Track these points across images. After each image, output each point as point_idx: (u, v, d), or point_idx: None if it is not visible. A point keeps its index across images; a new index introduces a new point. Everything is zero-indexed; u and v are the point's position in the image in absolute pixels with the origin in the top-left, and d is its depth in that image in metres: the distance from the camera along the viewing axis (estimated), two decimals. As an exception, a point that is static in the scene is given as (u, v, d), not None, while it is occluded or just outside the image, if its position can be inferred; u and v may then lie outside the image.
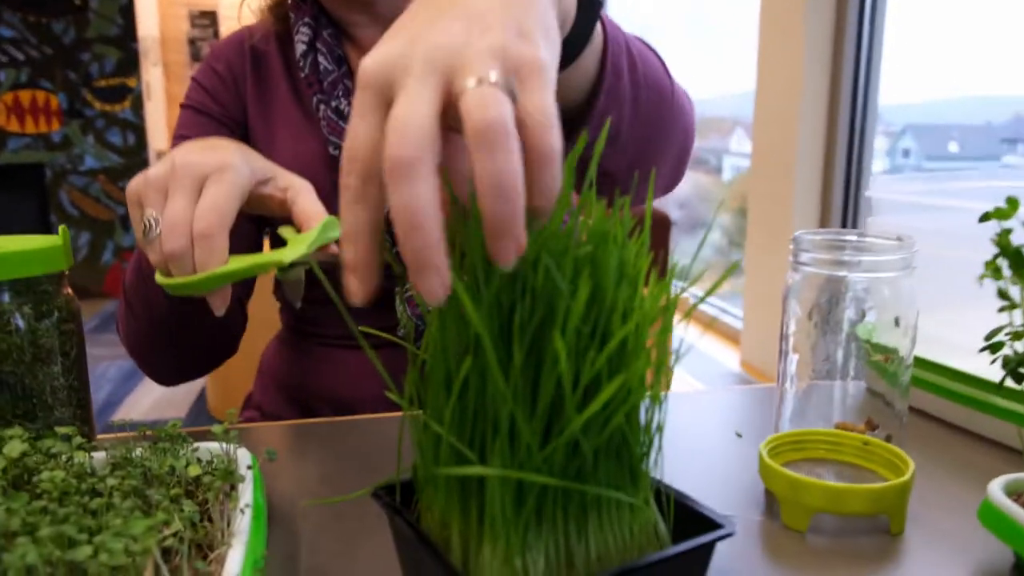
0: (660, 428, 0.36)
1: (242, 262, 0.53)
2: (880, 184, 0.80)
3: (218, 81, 0.80)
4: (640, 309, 0.33)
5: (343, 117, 0.77)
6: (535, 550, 0.34)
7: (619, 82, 0.59)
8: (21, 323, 0.54)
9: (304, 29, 0.78)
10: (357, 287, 0.34)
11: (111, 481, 0.41)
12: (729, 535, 0.36)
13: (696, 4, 3.26)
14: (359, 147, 0.32)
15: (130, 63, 4.63)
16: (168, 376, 0.81)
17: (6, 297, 0.54)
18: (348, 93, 0.78)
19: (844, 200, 1.88)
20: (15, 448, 0.45)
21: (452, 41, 0.32)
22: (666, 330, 0.34)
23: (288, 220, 0.60)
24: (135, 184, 0.56)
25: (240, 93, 0.80)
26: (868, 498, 0.47)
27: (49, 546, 0.36)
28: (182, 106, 0.81)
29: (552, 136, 0.30)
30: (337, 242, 0.64)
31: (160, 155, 4.90)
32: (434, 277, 0.30)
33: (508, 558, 0.33)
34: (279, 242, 0.80)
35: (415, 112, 0.30)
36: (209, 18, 5.00)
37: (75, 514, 0.40)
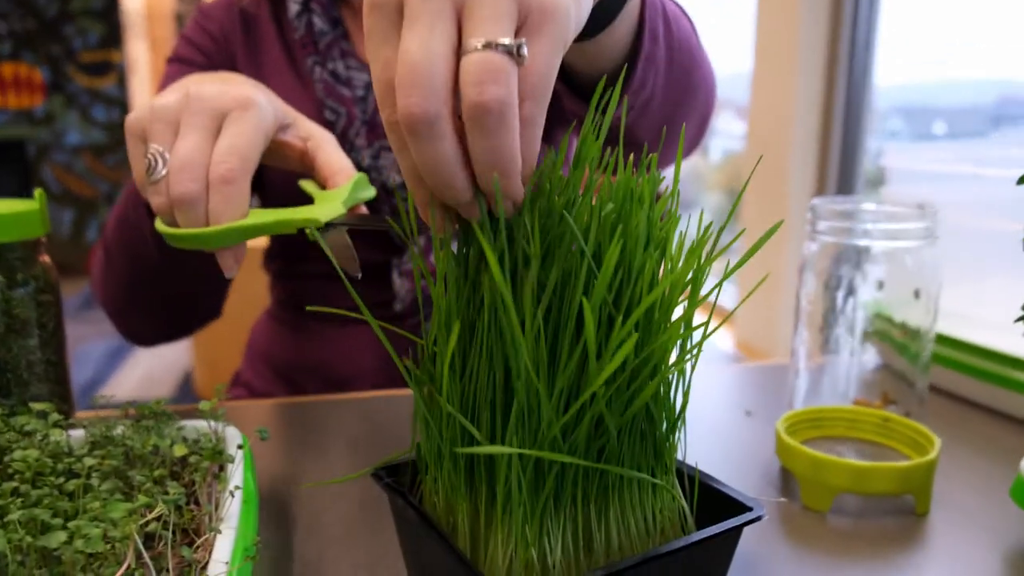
0: (685, 403, 0.34)
1: (265, 217, 0.45)
2: (897, 152, 0.77)
3: (209, 40, 0.76)
4: (670, 275, 0.30)
5: (339, 80, 0.73)
6: (552, 535, 0.31)
7: (655, 47, 0.56)
8: (-7, 293, 0.51)
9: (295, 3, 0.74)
10: (439, 222, 0.32)
11: (89, 461, 0.38)
12: (759, 518, 0.33)
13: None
14: (389, 81, 0.30)
15: (114, 37, 4.54)
16: (146, 336, 0.76)
17: (-23, 266, 0.51)
18: (344, 55, 0.74)
19: (840, 181, 1.85)
20: (-14, 426, 0.41)
21: None
22: (695, 297, 0.31)
23: (302, 175, 0.54)
24: (138, 114, 0.48)
25: (231, 54, 0.76)
26: (894, 477, 0.44)
27: (20, 531, 0.33)
28: (169, 60, 0.77)
29: (536, 106, 0.29)
30: (368, 203, 0.59)
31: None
32: (470, 208, 0.30)
33: (522, 544, 0.31)
34: (270, 203, 0.76)
35: (428, 53, 0.28)
36: (195, -8, 4.91)
37: (49, 496, 0.37)
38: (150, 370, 3.17)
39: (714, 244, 0.33)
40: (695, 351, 0.32)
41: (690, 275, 0.32)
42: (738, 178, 3.50)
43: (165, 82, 0.76)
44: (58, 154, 4.63)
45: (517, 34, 0.29)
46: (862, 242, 0.56)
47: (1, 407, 0.50)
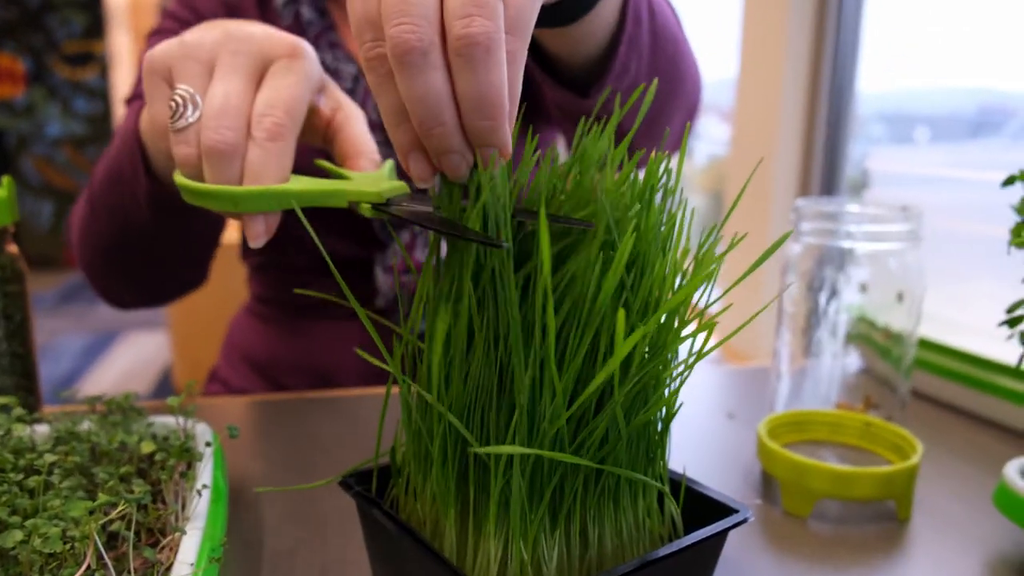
0: (678, 406, 0.33)
1: (313, 185, 0.38)
2: (881, 156, 0.77)
3: (196, 18, 0.74)
4: (691, 281, 0.30)
5: (328, 72, 0.72)
6: (548, 541, 0.30)
7: (639, 30, 0.55)
8: (-43, 283, 0.49)
9: None
10: (422, 168, 0.31)
11: (51, 458, 0.37)
12: (745, 520, 0.33)
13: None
14: (370, 13, 0.29)
15: (97, 28, 4.48)
16: (125, 300, 0.72)
17: (-60, 254, 0.49)
18: (332, 47, 0.73)
19: (823, 185, 1.86)
20: (-56, 420, 0.40)
21: None
22: (686, 303, 0.30)
23: (318, 153, 0.45)
24: (164, 50, 0.42)
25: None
26: (876, 482, 0.44)
27: (-25, 530, 0.31)
28: (151, 34, 0.73)
29: (519, 41, 0.29)
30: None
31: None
32: (457, 158, 0.29)
33: (517, 549, 0.30)
34: None
35: None
36: (180, -15, 4.86)
37: (7, 494, 0.36)
38: (128, 365, 3.14)
39: (712, 248, 0.32)
40: (697, 356, 0.31)
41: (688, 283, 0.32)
42: (722, 181, 3.51)
43: (144, 53, 0.74)
44: (38, 146, 4.57)
45: None
46: (845, 244, 0.55)
47: (-37, 401, 0.49)
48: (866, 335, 0.58)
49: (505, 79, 0.28)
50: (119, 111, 4.67)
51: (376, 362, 0.35)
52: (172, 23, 0.74)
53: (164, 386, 2.78)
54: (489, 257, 0.29)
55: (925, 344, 0.66)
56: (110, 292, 0.71)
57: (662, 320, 0.30)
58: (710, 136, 3.84)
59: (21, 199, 4.58)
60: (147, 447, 0.42)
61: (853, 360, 0.59)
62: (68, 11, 4.44)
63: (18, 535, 0.31)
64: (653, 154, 0.31)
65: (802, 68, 1.87)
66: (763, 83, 1.92)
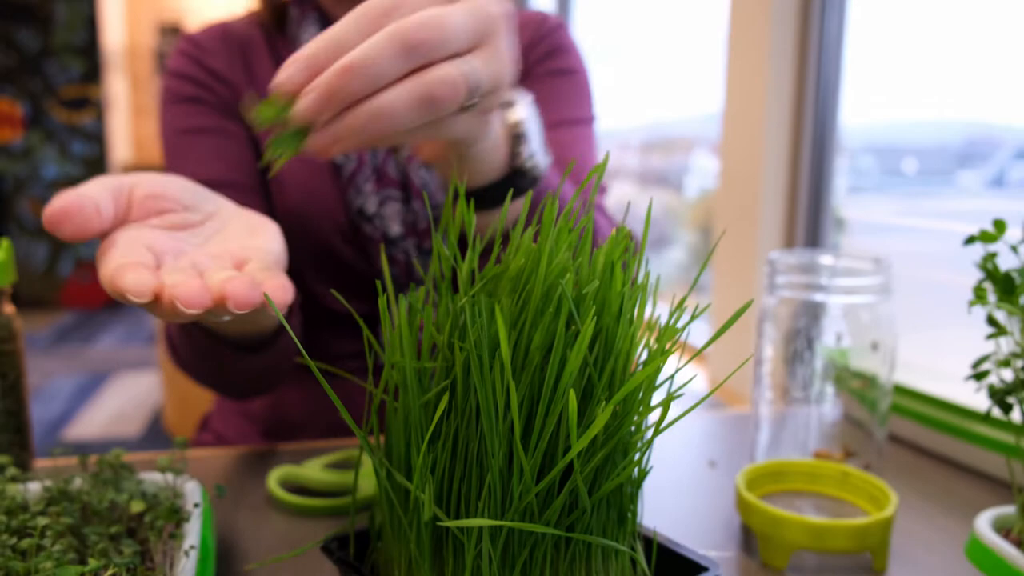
0: (645, 472, 0.34)
1: None
2: (854, 204, 0.79)
3: (208, 75, 0.75)
4: (656, 356, 0.31)
5: None
6: None
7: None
8: (-46, 344, 0.51)
9: (313, 28, 0.74)
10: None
11: (43, 520, 0.38)
12: (712, 579, 0.34)
13: (660, 29, 3.30)
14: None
15: (94, 73, 4.54)
16: (233, 397, 0.75)
17: (-62, 316, 0.51)
18: None
19: (809, 217, 1.89)
20: (-61, 482, 0.41)
21: None
22: (656, 373, 0.31)
23: None
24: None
25: (231, 84, 0.75)
26: (850, 535, 0.45)
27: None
28: (168, 102, 0.75)
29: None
30: (366, 250, 0.55)
31: (126, 168, 4.81)
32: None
33: None
34: None
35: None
36: (175, 31, 4.94)
37: (1, 556, 0.37)
38: (120, 407, 3.13)
39: (688, 291, 0.33)
40: (664, 423, 0.32)
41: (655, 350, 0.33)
42: (711, 216, 3.55)
43: (173, 121, 0.74)
44: (35, 188, 4.60)
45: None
46: (819, 297, 0.57)
47: (-43, 460, 0.50)
48: (843, 381, 0.59)
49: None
50: (115, 153, 4.71)
51: (351, 425, 0.36)
52: (188, 86, 0.75)
53: (155, 427, 2.77)
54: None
55: (901, 391, 0.67)
56: (219, 393, 0.72)
57: (624, 399, 0.32)
58: (700, 169, 3.90)
59: (17, 241, 4.60)
60: (136, 507, 0.43)
61: (831, 407, 0.60)
62: (66, 57, 4.50)
63: (10, 601, 0.32)
64: (614, 231, 0.33)
65: (785, 101, 1.91)
66: (747, 117, 1.96)
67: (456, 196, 0.37)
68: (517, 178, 0.48)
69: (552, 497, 0.31)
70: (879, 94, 1.91)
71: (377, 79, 0.33)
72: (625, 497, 0.35)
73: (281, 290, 0.36)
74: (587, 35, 3.46)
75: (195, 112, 0.74)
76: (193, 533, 0.41)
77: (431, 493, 0.33)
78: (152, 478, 0.48)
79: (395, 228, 0.74)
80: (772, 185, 1.88)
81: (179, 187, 0.42)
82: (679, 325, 0.33)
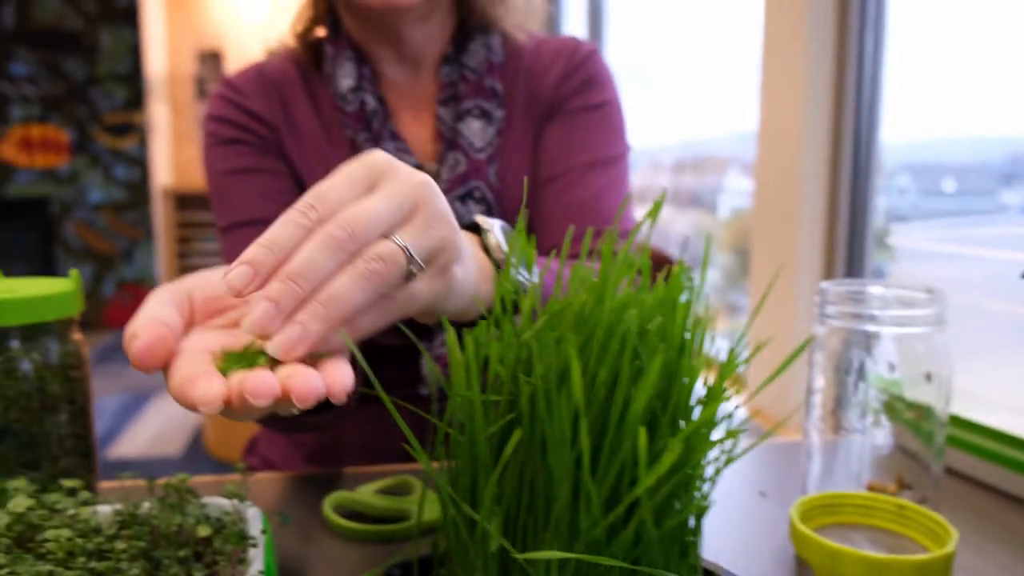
0: (708, 505, 0.35)
1: None
2: (903, 231, 0.79)
3: (249, 118, 0.78)
4: (718, 393, 0.32)
5: None
6: None
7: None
8: (29, 370, 0.53)
9: (349, 65, 0.77)
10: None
11: (120, 545, 0.39)
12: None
13: (691, 47, 3.30)
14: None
15: (137, 100, 4.67)
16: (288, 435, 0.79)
17: (15, 343, 0.53)
18: (394, 137, 0.77)
19: (849, 238, 1.87)
20: (20, 503, 0.43)
21: None
22: (718, 403, 0.32)
23: None
24: None
25: (269, 124, 0.78)
26: (911, 571, 0.45)
27: (53, 616, 0.34)
28: (211, 144, 0.78)
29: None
30: None
31: (166, 191, 4.93)
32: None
33: None
34: None
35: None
36: (215, 58, 5.06)
37: (80, 579, 0.38)
38: (161, 427, 3.18)
39: (746, 328, 0.34)
40: (728, 455, 0.33)
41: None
42: (746, 236, 3.53)
43: (214, 166, 0.77)
44: (80, 211, 4.73)
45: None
46: (871, 327, 0.57)
47: (32, 482, 0.51)
48: (897, 412, 0.59)
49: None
50: (157, 177, 4.83)
51: (419, 456, 0.37)
52: (230, 129, 0.77)
53: (195, 447, 2.82)
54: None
55: (957, 422, 0.66)
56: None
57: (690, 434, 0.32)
58: (733, 188, 3.88)
59: (62, 262, 4.72)
60: (203, 531, 0.44)
61: (884, 437, 0.60)
62: (110, 84, 4.63)
63: (95, 623, 0.33)
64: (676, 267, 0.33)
65: (823, 119, 1.90)
66: (783, 135, 1.95)
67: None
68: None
69: (618, 530, 0.32)
70: (915, 110, 1.88)
71: (319, 277, 0.36)
72: (687, 530, 0.35)
73: (342, 379, 0.36)
74: (618, 54, 3.48)
75: (237, 153, 0.77)
76: (258, 559, 0.42)
77: (498, 524, 0.33)
78: (215, 503, 0.50)
79: None
80: (810, 205, 1.87)
81: None
82: (734, 352, 0.34)
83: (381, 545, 0.55)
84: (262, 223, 0.75)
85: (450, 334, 0.35)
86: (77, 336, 0.57)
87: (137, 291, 4.81)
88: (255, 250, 0.36)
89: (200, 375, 0.34)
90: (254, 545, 0.42)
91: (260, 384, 0.33)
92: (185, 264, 5.09)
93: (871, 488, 0.59)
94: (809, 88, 1.87)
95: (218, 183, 0.77)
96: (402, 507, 0.57)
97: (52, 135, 4.64)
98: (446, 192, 0.76)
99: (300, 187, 0.78)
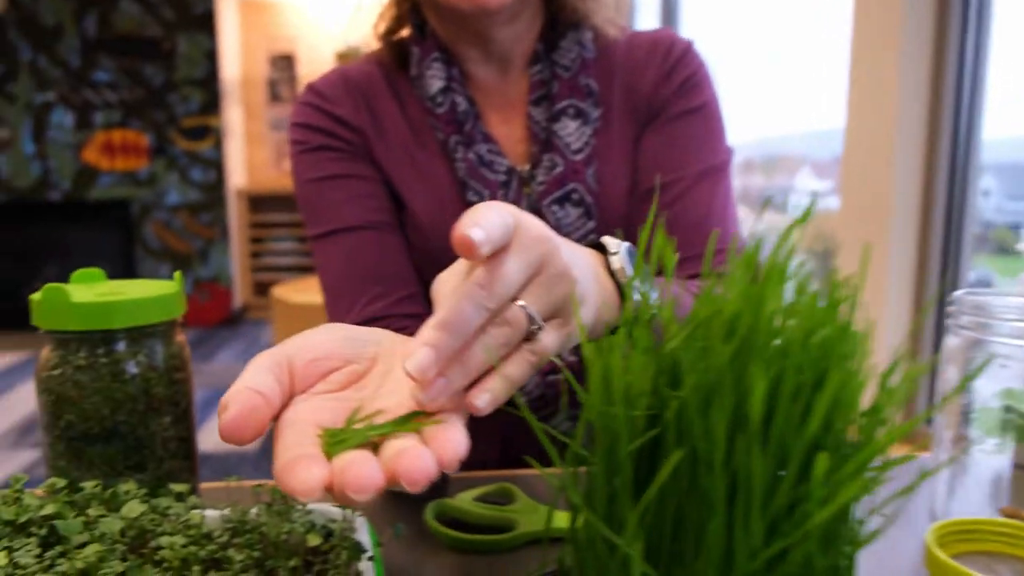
0: (871, 536, 0.32)
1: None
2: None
3: (329, 121, 0.77)
4: (879, 411, 0.29)
5: (483, 162, 0.74)
6: None
7: None
8: (135, 372, 0.53)
9: (437, 65, 0.75)
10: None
11: (237, 555, 0.38)
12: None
13: (763, 41, 3.21)
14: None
15: (213, 104, 4.79)
16: None
17: (122, 345, 0.53)
18: (486, 139, 0.75)
19: (945, 240, 1.78)
20: (134, 508, 0.42)
21: None
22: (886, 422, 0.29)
23: None
24: None
25: (356, 128, 0.77)
26: (1072, 605, 0.41)
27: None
28: (298, 153, 0.78)
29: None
30: None
31: (239, 192, 5.05)
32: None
33: None
34: None
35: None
36: (287, 61, 5.17)
37: (198, 589, 0.37)
38: (235, 424, 3.24)
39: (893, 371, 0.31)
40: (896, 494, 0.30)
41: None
42: (823, 238, 3.43)
43: (302, 174, 0.77)
44: (159, 212, 4.88)
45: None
46: (1005, 340, 0.53)
47: (140, 485, 0.51)
48: (1031, 432, 0.55)
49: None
50: (232, 179, 4.95)
51: (546, 474, 0.35)
52: (310, 134, 0.77)
53: (271, 443, 2.86)
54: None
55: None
56: None
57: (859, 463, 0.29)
58: (804, 189, 3.77)
59: (142, 262, 4.88)
60: (313, 540, 0.43)
61: (1019, 458, 0.55)
62: (187, 89, 4.77)
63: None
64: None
65: (918, 114, 1.81)
66: (874, 134, 1.87)
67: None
68: None
69: (777, 561, 0.29)
70: (1003, 106, 1.78)
71: (468, 332, 0.37)
72: (842, 557, 0.32)
73: (455, 447, 0.34)
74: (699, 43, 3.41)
75: (325, 160, 0.76)
76: (369, 570, 0.41)
77: (640, 549, 0.31)
78: (320, 509, 0.49)
79: None
80: (903, 204, 1.79)
81: (337, 341, 0.42)
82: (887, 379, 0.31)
83: (484, 556, 0.53)
84: (354, 230, 0.75)
85: (587, 345, 0.33)
86: (180, 338, 0.57)
87: (214, 289, 4.94)
88: (440, 336, 0.36)
89: (300, 460, 0.32)
90: (371, 558, 0.41)
91: (363, 476, 0.31)
92: (258, 263, 5.21)
93: (1004, 513, 0.55)
94: (903, 80, 1.79)
95: (308, 191, 0.77)
96: (505, 516, 0.56)
97: (132, 139, 4.80)
98: (543, 196, 0.74)
99: (390, 191, 0.77)
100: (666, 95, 0.77)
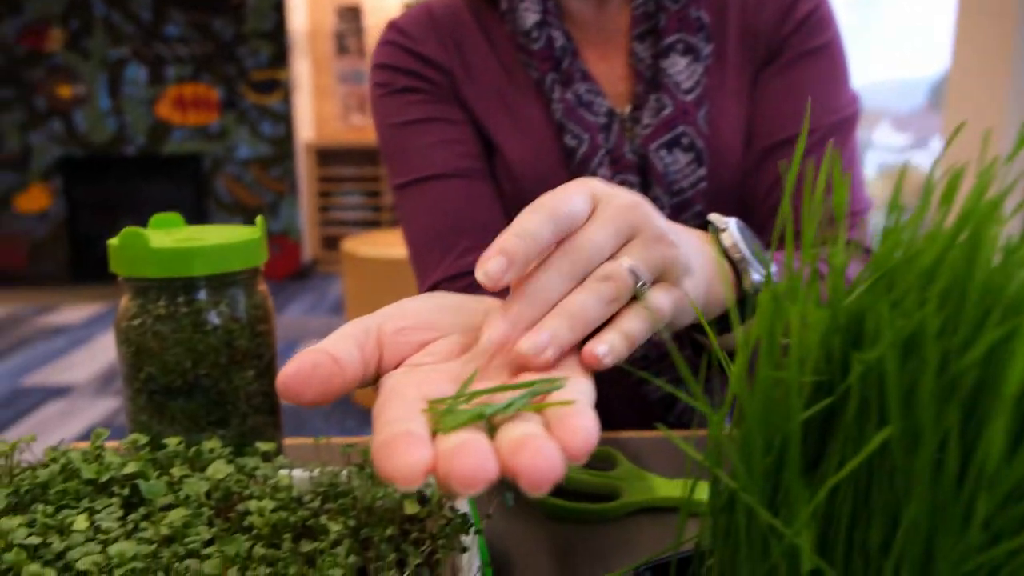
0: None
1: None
2: None
3: (415, 60, 0.72)
4: None
5: (582, 103, 0.68)
6: None
7: None
8: (218, 323, 0.49)
9: (532, 3, 0.69)
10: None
11: (335, 526, 0.35)
12: None
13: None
14: None
15: (281, 57, 4.80)
16: None
17: (203, 294, 0.49)
18: (584, 78, 0.69)
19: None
20: (220, 469, 0.39)
21: None
22: None
23: None
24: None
25: (443, 68, 0.72)
26: None
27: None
28: (381, 96, 0.73)
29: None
30: None
31: (308, 147, 5.08)
32: None
33: None
34: None
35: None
36: (354, 12, 5.12)
37: (290, 560, 0.34)
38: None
39: None
40: None
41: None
42: (903, 194, 3.26)
43: (385, 118, 0.72)
44: (230, 167, 4.95)
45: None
46: None
47: (223, 442, 0.48)
48: None
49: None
50: (300, 132, 4.97)
51: (688, 448, 0.30)
52: (394, 75, 0.72)
53: (343, 398, 2.88)
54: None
55: None
56: None
57: None
58: (883, 144, 3.57)
59: (215, 216, 4.97)
60: (411, 508, 0.40)
61: None
62: (256, 42, 4.78)
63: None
64: None
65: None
66: (982, 85, 1.74)
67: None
68: (751, 298, 0.48)
69: (1001, 563, 0.24)
70: None
71: (552, 296, 0.35)
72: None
73: (584, 435, 0.27)
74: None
75: (410, 103, 0.71)
76: (475, 545, 0.37)
77: (811, 539, 0.26)
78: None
79: None
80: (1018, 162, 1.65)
81: (433, 310, 0.37)
82: None
83: (587, 525, 0.49)
84: (443, 178, 0.70)
85: (764, 294, 0.27)
86: (262, 288, 0.54)
87: (283, 243, 5.01)
88: (508, 240, 0.34)
89: (401, 439, 0.26)
90: (479, 531, 0.37)
91: (473, 467, 0.25)
92: (328, 217, 5.25)
93: None
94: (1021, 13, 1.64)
95: (392, 137, 0.72)
96: (610, 484, 0.51)
97: (203, 93, 4.85)
98: (648, 140, 0.67)
99: (479, 135, 0.71)
100: (787, 32, 0.69)
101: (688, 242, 0.41)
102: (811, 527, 0.26)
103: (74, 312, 4.20)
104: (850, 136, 0.68)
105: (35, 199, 4.86)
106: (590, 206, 0.37)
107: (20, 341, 3.66)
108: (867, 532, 0.26)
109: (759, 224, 0.68)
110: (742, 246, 0.48)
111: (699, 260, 0.42)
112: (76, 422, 2.69)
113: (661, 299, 0.38)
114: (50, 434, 2.57)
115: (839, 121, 0.67)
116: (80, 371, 3.21)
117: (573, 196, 0.37)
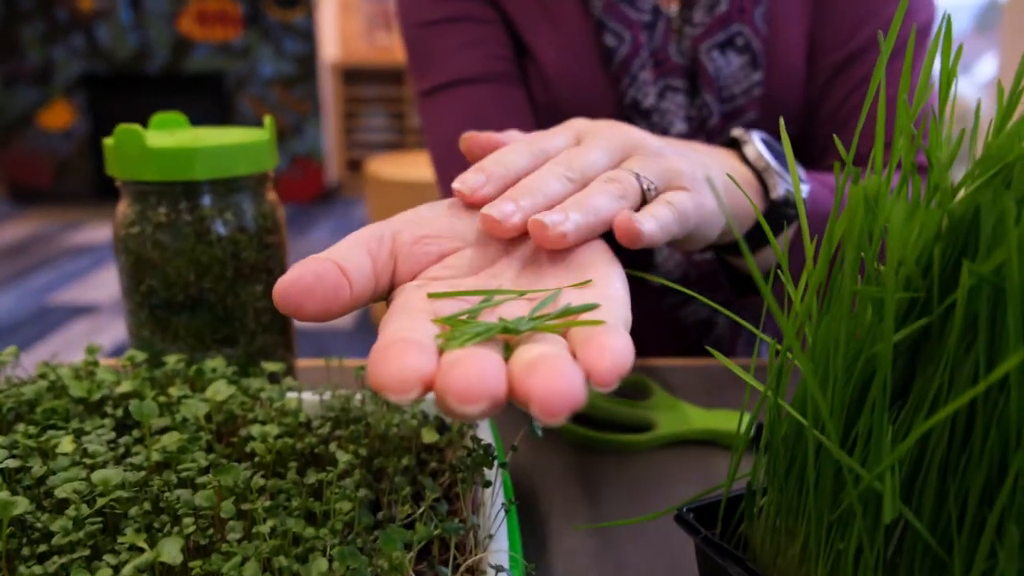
0: None
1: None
2: None
3: None
4: None
5: (625, 2, 0.61)
6: None
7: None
8: (223, 232, 0.46)
9: None
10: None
11: (344, 456, 0.31)
12: None
13: None
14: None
15: (305, -29, 4.65)
16: None
17: (207, 200, 0.45)
18: None
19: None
20: (221, 391, 0.36)
21: None
22: None
23: None
24: None
25: None
26: None
27: (268, 544, 0.26)
28: (426, 24, 0.66)
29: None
30: None
31: (333, 66, 4.96)
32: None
33: None
34: None
35: None
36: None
37: (294, 492, 0.31)
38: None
39: None
40: None
41: None
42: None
43: (408, 16, 0.66)
44: (253, 86, 4.86)
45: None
46: None
47: (229, 361, 0.45)
48: None
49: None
50: (324, 50, 4.86)
51: (742, 373, 0.26)
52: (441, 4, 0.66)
53: (364, 320, 2.88)
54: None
55: None
56: None
57: None
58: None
59: (237, 136, 4.91)
60: (429, 436, 0.36)
61: None
62: (279, -46, 4.63)
63: (323, 565, 0.25)
64: None
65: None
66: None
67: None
68: (779, 210, 0.45)
69: None
70: None
71: (551, 197, 0.33)
72: None
73: (615, 357, 0.23)
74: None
75: (437, 0, 0.65)
76: (499, 479, 0.34)
77: (895, 485, 0.22)
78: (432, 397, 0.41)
79: (678, 125, 0.62)
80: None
81: (452, 215, 0.33)
82: None
83: (617, 456, 0.46)
84: (470, 82, 0.64)
85: (854, 189, 0.23)
86: (272, 196, 0.49)
87: (307, 165, 4.96)
88: (486, 162, 0.34)
89: (397, 344, 0.22)
90: (503, 464, 0.33)
91: (472, 378, 0.21)
92: (352, 139, 5.17)
93: None
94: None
95: (416, 37, 0.66)
96: (643, 414, 0.48)
97: (226, 8, 4.73)
98: (699, 40, 0.61)
99: (511, 35, 0.65)
100: None
101: (696, 157, 0.39)
102: (896, 470, 0.22)
103: (99, 231, 4.21)
104: (925, 45, 0.61)
105: (59, 115, 4.83)
106: (573, 143, 0.37)
107: (46, 259, 3.68)
108: (964, 479, 0.22)
109: (823, 139, 0.62)
110: (767, 155, 0.45)
111: (715, 171, 0.40)
112: (102, 340, 2.71)
113: (681, 197, 0.35)
114: (75, 353, 2.60)
115: (916, 32, 0.60)
116: (106, 289, 3.23)
117: (555, 135, 0.36)
